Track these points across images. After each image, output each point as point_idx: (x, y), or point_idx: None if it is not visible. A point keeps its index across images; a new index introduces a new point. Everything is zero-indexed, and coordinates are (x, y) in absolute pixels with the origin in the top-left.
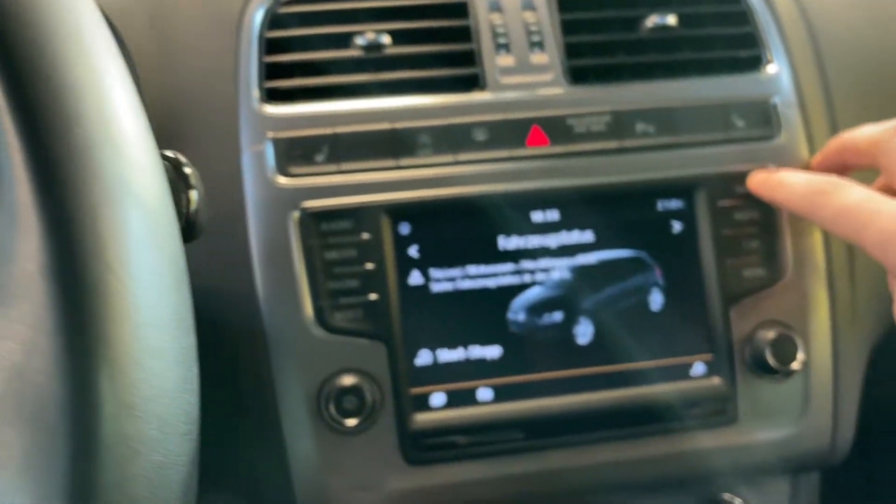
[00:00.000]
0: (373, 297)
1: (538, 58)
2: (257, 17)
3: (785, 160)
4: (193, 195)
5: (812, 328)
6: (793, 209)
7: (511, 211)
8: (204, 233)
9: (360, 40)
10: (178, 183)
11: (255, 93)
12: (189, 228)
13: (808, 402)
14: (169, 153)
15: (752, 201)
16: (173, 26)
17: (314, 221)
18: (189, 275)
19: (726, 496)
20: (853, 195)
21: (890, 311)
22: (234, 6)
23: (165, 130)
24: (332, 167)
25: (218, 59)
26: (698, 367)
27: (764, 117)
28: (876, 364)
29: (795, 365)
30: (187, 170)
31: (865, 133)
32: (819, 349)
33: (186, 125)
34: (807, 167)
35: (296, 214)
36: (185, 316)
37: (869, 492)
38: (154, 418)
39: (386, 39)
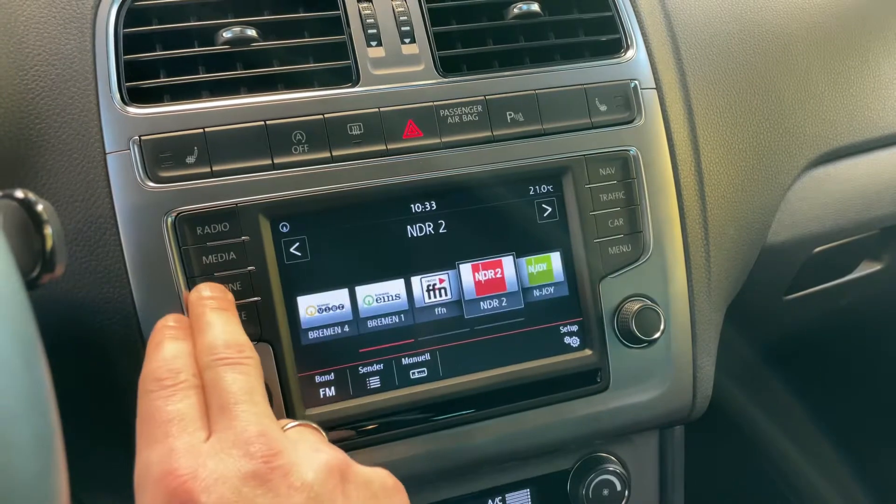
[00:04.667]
0: (256, 299)
1: (409, 48)
2: (112, 12)
3: (644, 142)
4: (48, 231)
5: (672, 300)
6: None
7: (389, 204)
8: (65, 263)
9: (226, 34)
10: (28, 223)
11: (116, 94)
12: (48, 266)
13: (671, 367)
14: (19, 193)
15: (616, 184)
16: (20, 31)
17: (189, 226)
18: (60, 287)
19: (602, 454)
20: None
21: (742, 275)
22: (85, 3)
23: (22, 139)
24: (205, 169)
25: (73, 60)
26: (572, 342)
27: (624, 100)
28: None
29: (658, 335)
30: (39, 207)
31: None
32: (679, 318)
33: (46, 133)
34: (668, 148)
35: (169, 220)
36: (37, 391)
37: (726, 440)
38: None
39: (253, 33)
